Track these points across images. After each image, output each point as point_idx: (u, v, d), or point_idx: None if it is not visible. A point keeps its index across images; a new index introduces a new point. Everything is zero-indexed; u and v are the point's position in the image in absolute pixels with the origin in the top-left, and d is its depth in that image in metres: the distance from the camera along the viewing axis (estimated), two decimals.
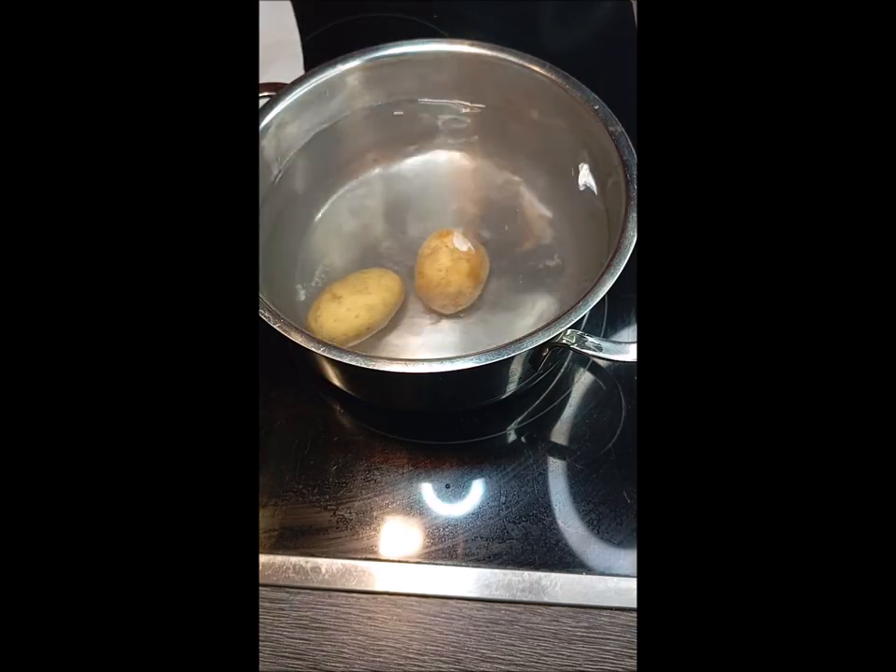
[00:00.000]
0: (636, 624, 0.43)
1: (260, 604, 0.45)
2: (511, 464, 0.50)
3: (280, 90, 0.51)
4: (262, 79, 0.53)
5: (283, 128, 0.52)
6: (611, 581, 0.45)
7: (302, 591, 0.46)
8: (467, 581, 0.46)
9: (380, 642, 0.45)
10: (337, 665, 0.44)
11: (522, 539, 0.47)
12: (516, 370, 0.46)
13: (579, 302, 0.41)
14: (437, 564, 0.47)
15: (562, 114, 0.51)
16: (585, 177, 0.52)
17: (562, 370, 0.54)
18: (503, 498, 0.49)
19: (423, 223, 0.56)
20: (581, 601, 0.45)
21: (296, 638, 0.45)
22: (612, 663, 0.43)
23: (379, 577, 0.46)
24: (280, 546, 0.47)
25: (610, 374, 0.54)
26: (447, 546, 0.47)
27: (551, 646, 0.44)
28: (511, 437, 0.52)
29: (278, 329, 0.41)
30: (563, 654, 0.44)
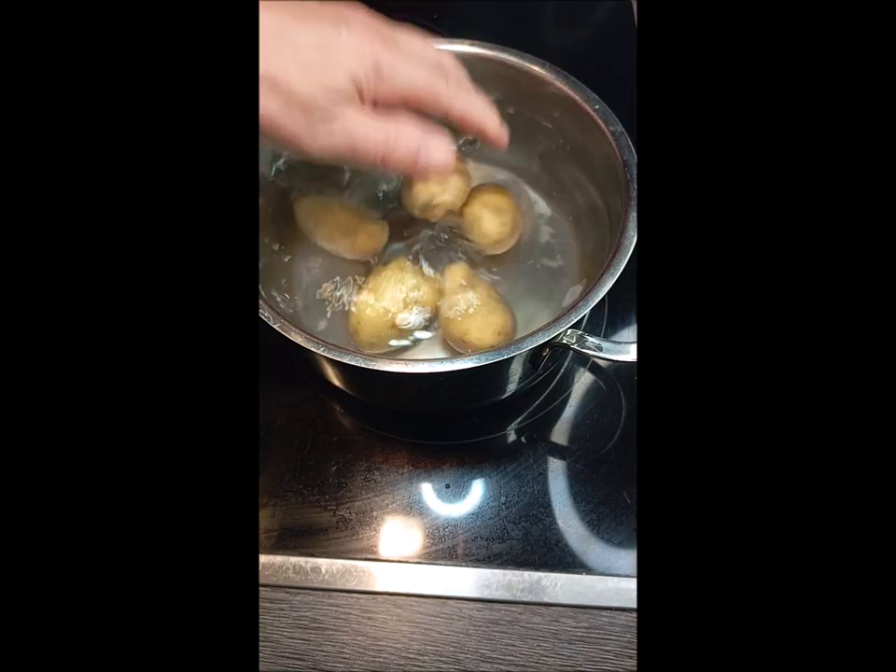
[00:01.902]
0: (636, 624, 0.43)
1: (260, 604, 0.45)
2: (510, 464, 0.50)
3: None
4: None
5: None
6: (611, 582, 0.45)
7: (302, 591, 0.46)
8: (467, 581, 0.46)
9: (380, 642, 0.44)
10: (337, 665, 0.44)
11: (522, 540, 0.47)
12: (516, 370, 0.46)
13: (579, 302, 0.41)
14: (437, 564, 0.47)
15: (561, 114, 0.51)
16: (585, 177, 0.52)
17: (562, 370, 0.54)
18: (503, 499, 0.49)
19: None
20: (581, 601, 0.45)
21: (296, 639, 0.45)
22: (612, 663, 0.43)
23: (379, 577, 0.46)
24: (280, 546, 0.47)
25: (610, 374, 0.54)
26: (447, 546, 0.47)
27: (551, 646, 0.44)
28: (511, 437, 0.52)
29: (278, 329, 0.41)
30: (563, 654, 0.44)
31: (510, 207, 0.51)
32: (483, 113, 0.41)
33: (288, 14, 0.37)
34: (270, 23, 0.36)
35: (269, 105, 0.35)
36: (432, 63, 0.40)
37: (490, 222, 0.50)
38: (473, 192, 0.52)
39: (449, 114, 0.40)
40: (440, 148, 0.40)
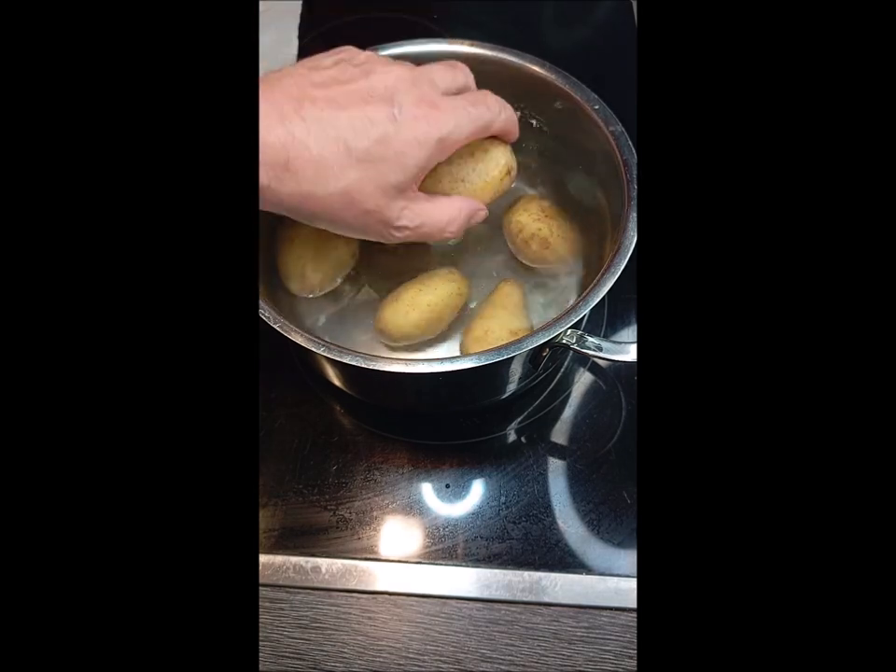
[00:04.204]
0: (636, 624, 0.43)
1: (260, 604, 0.45)
2: (510, 464, 0.50)
3: None
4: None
5: None
6: (611, 582, 0.45)
7: (302, 591, 0.46)
8: (467, 581, 0.46)
9: (380, 642, 0.45)
10: (337, 664, 0.44)
11: (522, 539, 0.47)
12: (516, 370, 0.46)
13: (579, 302, 0.41)
14: (437, 564, 0.47)
15: (561, 114, 0.51)
16: (585, 177, 0.52)
17: (562, 370, 0.54)
18: (503, 498, 0.49)
19: None
20: (581, 601, 0.45)
21: (296, 638, 0.45)
22: (612, 663, 0.43)
23: (379, 577, 0.46)
24: (280, 546, 0.47)
25: (610, 374, 0.54)
26: (447, 546, 0.47)
27: (551, 646, 0.44)
28: (511, 437, 0.52)
29: (278, 329, 0.41)
30: (563, 654, 0.44)
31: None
32: (514, 121, 0.45)
33: (327, 101, 0.37)
34: (314, 115, 0.36)
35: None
36: (470, 97, 0.42)
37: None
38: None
39: (493, 133, 0.44)
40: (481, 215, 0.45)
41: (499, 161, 0.45)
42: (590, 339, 0.41)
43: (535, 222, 0.51)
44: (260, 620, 0.45)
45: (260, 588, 0.46)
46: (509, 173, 0.46)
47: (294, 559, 0.47)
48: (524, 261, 0.53)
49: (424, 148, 0.38)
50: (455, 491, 0.49)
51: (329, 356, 0.40)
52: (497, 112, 0.43)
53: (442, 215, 0.42)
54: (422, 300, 0.48)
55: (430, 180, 0.43)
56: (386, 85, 0.38)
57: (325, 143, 0.36)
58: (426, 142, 0.38)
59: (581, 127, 0.50)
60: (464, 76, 0.44)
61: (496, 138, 0.45)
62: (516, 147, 0.56)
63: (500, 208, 0.53)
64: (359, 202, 0.38)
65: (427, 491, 0.49)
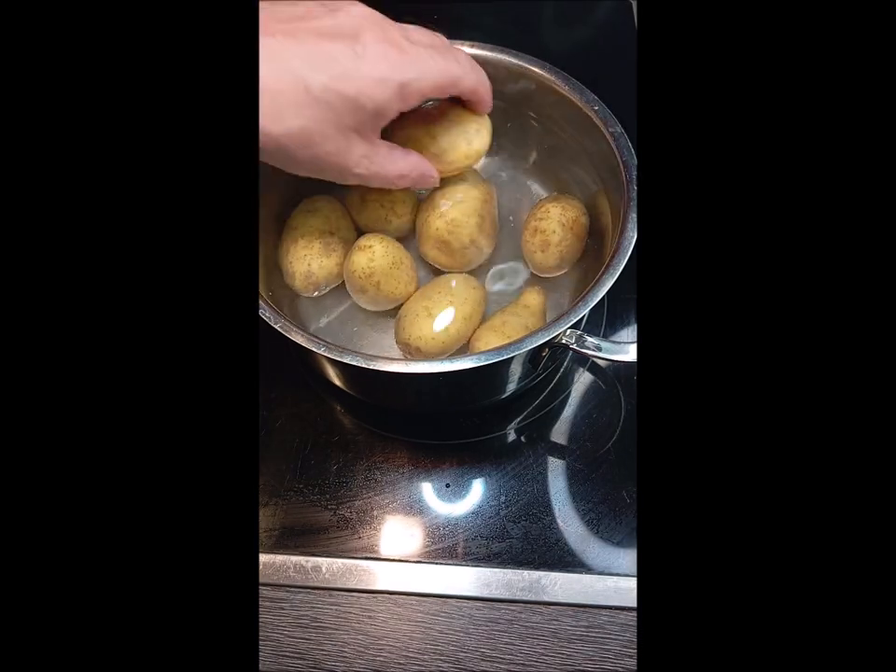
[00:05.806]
0: (635, 623, 0.43)
1: (261, 603, 0.46)
2: (510, 463, 0.50)
3: None
4: None
5: None
6: (611, 581, 0.46)
7: (303, 590, 0.46)
8: (467, 580, 0.46)
9: (380, 641, 0.45)
10: (337, 664, 0.44)
11: (521, 539, 0.47)
12: (516, 370, 0.46)
13: (578, 302, 0.41)
14: (437, 563, 0.47)
15: (561, 115, 0.51)
16: (585, 177, 0.52)
17: (562, 370, 0.54)
18: (503, 498, 0.49)
19: None
20: (580, 600, 0.45)
21: (296, 638, 0.45)
22: (612, 662, 0.44)
23: (379, 576, 0.46)
24: (280, 545, 0.47)
25: (610, 374, 0.54)
26: (447, 545, 0.47)
27: (550, 645, 0.44)
28: (511, 436, 0.52)
29: (279, 329, 0.41)
30: (563, 654, 0.44)
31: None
32: (486, 87, 0.44)
33: (285, 34, 0.35)
34: (270, 48, 0.34)
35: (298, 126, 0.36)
36: (439, 50, 0.41)
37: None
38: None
39: (461, 92, 0.42)
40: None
41: (471, 137, 0.46)
42: (589, 339, 0.42)
43: (546, 221, 0.50)
44: (261, 619, 0.45)
45: (261, 587, 0.46)
46: (478, 151, 0.46)
47: (294, 558, 0.47)
48: (527, 260, 0.53)
49: (384, 90, 0.37)
50: (455, 490, 0.49)
51: (329, 356, 0.40)
52: (467, 70, 0.41)
53: (395, 168, 0.41)
54: (458, 313, 0.47)
55: (400, 138, 0.43)
56: (353, 23, 0.37)
57: (281, 77, 0.34)
58: (387, 83, 0.37)
59: (581, 128, 0.50)
60: (440, 39, 0.42)
61: (472, 111, 0.45)
62: (517, 148, 0.57)
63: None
64: (317, 143, 0.36)
65: (427, 490, 0.50)
